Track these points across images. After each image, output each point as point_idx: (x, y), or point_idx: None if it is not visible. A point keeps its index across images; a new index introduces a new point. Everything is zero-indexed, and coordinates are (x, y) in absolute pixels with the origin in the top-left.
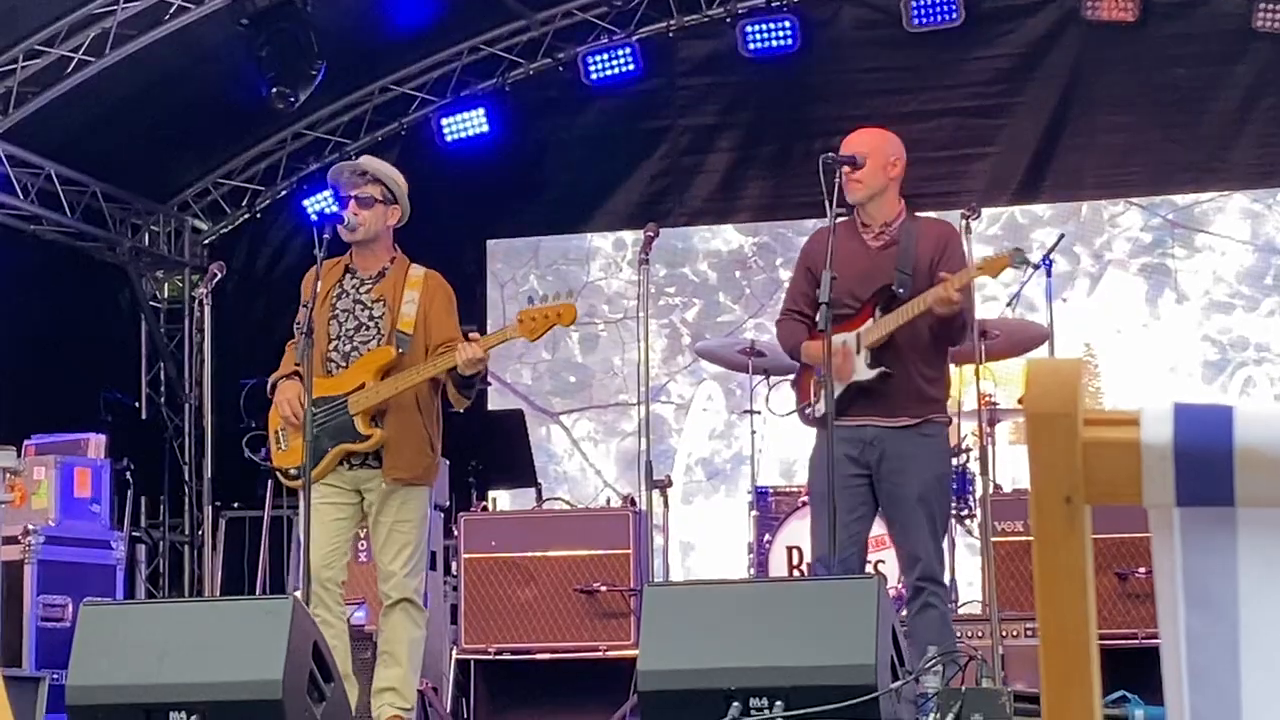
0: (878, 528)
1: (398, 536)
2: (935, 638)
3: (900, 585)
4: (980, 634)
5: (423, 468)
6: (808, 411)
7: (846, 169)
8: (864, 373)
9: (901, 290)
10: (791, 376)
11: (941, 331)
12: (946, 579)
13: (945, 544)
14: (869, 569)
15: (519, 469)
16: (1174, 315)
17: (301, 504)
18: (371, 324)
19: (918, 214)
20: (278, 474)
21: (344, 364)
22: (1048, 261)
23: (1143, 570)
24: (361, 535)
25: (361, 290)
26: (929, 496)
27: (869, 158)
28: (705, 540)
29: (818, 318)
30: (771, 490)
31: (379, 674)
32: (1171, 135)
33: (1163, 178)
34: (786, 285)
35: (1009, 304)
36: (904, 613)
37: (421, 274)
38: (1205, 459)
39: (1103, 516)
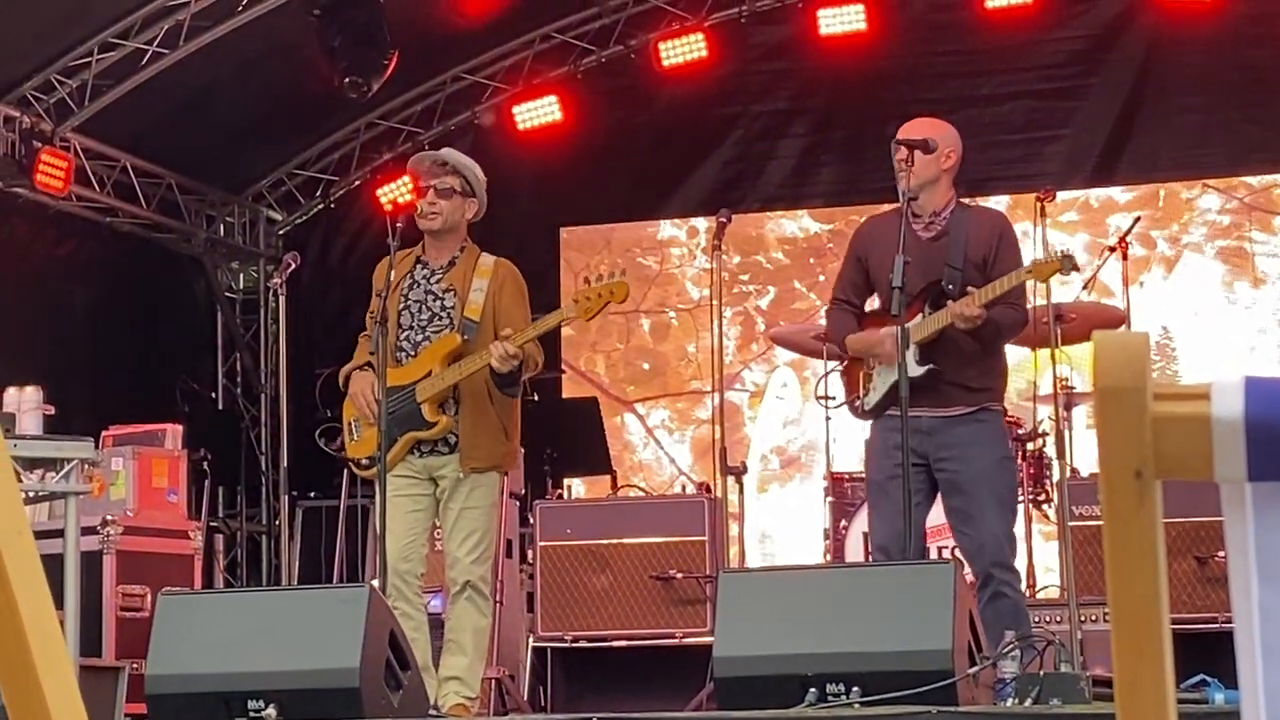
0: (936, 518)
1: (465, 523)
2: (1010, 626)
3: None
4: (1059, 619)
5: (500, 455)
6: (857, 404)
7: (917, 152)
8: (913, 369)
9: (950, 287)
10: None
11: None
12: (1021, 564)
13: (1020, 528)
14: (944, 554)
15: (594, 456)
16: (1251, 299)
17: (377, 495)
18: (443, 314)
19: (966, 202)
20: (351, 465)
21: (414, 353)
22: (1124, 244)
23: (1221, 554)
24: (437, 524)
25: (432, 281)
26: (992, 477)
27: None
28: (781, 528)
29: (872, 304)
30: (847, 476)
31: (444, 662)
32: (1248, 115)
33: (1239, 159)
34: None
35: (1085, 287)
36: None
37: (492, 262)
38: (1278, 433)
39: (1181, 500)
